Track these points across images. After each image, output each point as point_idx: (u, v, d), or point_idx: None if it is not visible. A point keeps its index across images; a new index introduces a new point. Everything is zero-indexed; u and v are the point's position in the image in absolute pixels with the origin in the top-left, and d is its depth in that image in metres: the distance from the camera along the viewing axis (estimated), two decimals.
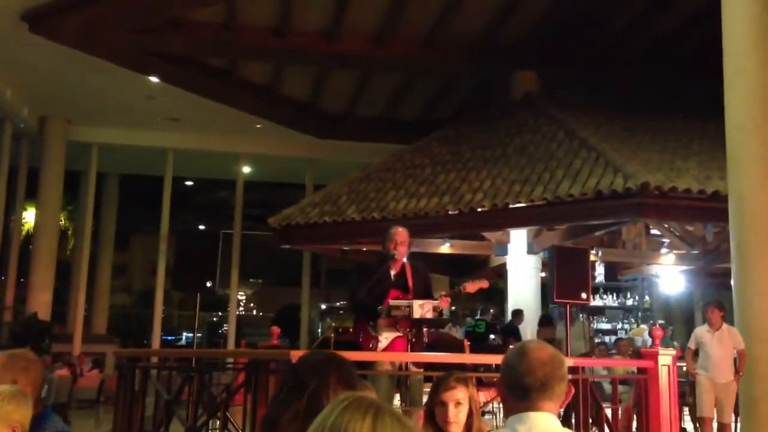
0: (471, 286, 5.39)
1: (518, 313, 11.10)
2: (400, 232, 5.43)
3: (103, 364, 15.71)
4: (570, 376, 5.60)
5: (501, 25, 12.16)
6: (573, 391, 2.35)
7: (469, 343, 7.14)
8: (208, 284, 7.46)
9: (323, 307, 29.52)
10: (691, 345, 7.80)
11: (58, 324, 16.30)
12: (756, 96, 5.35)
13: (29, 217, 17.81)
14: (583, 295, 5.95)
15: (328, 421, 1.23)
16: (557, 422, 1.98)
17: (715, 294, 12.06)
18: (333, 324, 7.57)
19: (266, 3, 11.67)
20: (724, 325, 7.50)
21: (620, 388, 6.41)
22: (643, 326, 12.54)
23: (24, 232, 17.69)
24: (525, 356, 1.98)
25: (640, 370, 5.48)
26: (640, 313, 13.65)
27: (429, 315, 5.07)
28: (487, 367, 5.71)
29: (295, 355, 4.67)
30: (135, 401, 5.45)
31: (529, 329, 11.11)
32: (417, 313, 5.01)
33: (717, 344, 7.44)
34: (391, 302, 5.15)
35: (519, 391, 1.95)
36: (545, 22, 11.98)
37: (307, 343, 17.09)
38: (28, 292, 15.56)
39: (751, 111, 5.47)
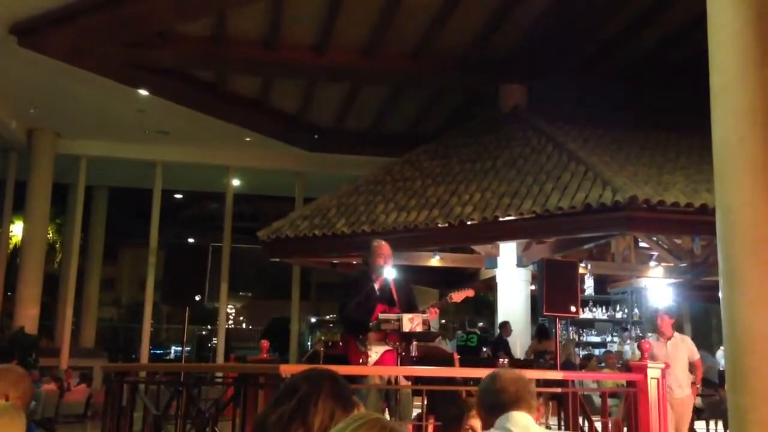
0: (457, 296, 5.41)
1: (504, 325, 11.13)
2: (384, 245, 5.45)
3: (90, 379, 15.54)
4: (560, 390, 5.56)
5: (489, 38, 12.23)
6: (542, 411, 2.80)
7: (459, 356, 7.12)
8: (197, 298, 7.42)
9: (313, 320, 29.42)
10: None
11: (45, 338, 16.16)
12: (742, 110, 5.38)
13: (17, 230, 17.68)
14: (573, 308, 5.96)
15: None
16: (533, 421, 2.35)
17: (704, 307, 12.10)
18: (323, 337, 7.57)
19: (255, 16, 11.69)
20: (676, 334, 7.08)
21: (609, 401, 6.42)
22: (626, 347, 12.58)
23: (11, 245, 17.56)
24: (498, 378, 2.41)
25: (630, 383, 5.49)
26: (629, 326, 13.67)
27: (419, 329, 5.06)
28: (477, 381, 5.69)
29: (285, 369, 4.65)
30: (123, 416, 5.40)
31: (519, 341, 11.13)
32: (407, 327, 5.00)
33: (672, 355, 6.92)
34: (381, 316, 5.15)
35: (498, 407, 2.32)
36: (533, 36, 12.05)
37: (296, 357, 17.00)
38: (16, 305, 15.43)
39: (737, 125, 5.50)
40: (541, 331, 10.86)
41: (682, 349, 6.93)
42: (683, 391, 6.85)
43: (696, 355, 6.78)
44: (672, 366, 6.64)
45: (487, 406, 2.39)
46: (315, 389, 1.68)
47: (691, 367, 7.05)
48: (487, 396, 2.39)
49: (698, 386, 6.88)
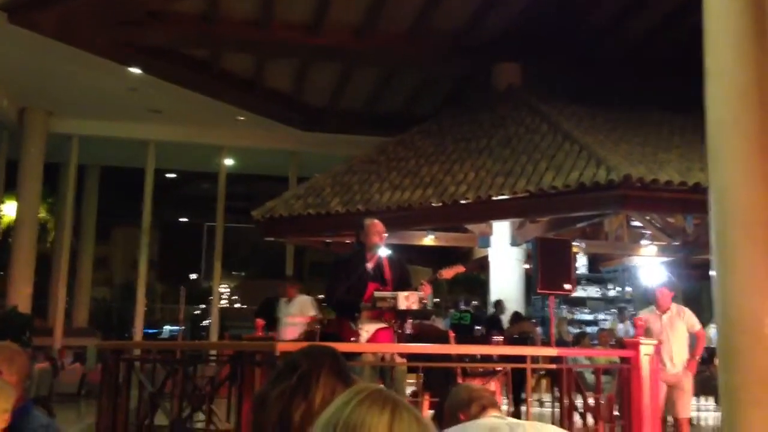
0: (447, 272, 5.42)
1: (499, 303, 11.20)
2: (377, 224, 5.45)
3: (84, 358, 15.61)
4: (554, 366, 5.61)
5: (484, 17, 12.18)
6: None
7: (454, 334, 7.17)
8: (193, 276, 7.47)
9: None
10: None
11: (38, 317, 16.16)
12: (737, 91, 5.40)
13: (9, 209, 17.61)
14: (567, 286, 6.01)
15: (343, 412, 1.18)
16: None
17: (696, 285, 12.16)
18: (319, 316, 7.66)
19: None
20: (674, 305, 6.75)
21: (602, 378, 6.48)
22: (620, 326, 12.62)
23: (3, 225, 17.50)
24: (466, 388, 2.80)
25: (623, 360, 5.55)
26: (621, 304, 13.78)
27: (414, 306, 5.09)
28: (472, 358, 5.75)
29: (281, 347, 4.68)
30: (119, 393, 5.43)
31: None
32: (402, 305, 5.03)
33: (668, 328, 6.62)
34: (376, 294, 5.16)
35: (476, 409, 2.68)
36: (528, 15, 12.00)
37: None
38: (8, 285, 15.42)
39: (732, 106, 5.52)
40: (514, 316, 10.81)
41: (679, 322, 6.61)
42: (676, 367, 6.57)
43: (697, 326, 6.41)
44: (667, 340, 6.51)
45: (468, 412, 2.70)
46: (316, 366, 1.70)
47: (692, 339, 6.72)
48: (466, 403, 2.71)
49: (697, 358, 6.53)
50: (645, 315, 6.72)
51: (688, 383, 6.61)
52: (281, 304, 8.65)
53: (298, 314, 8.21)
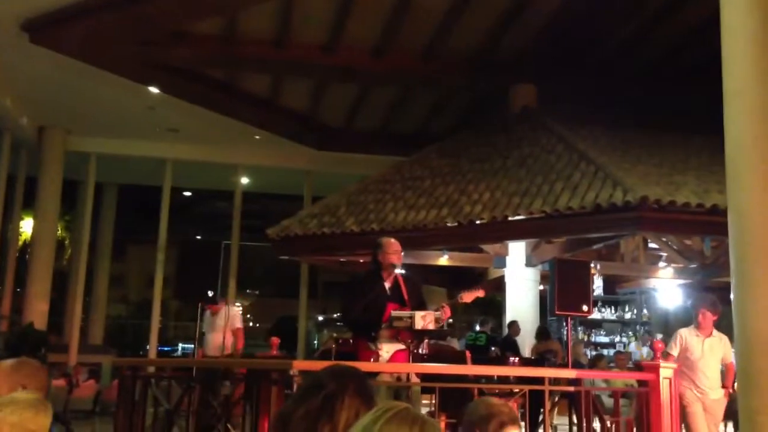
0: (467, 296, 5.40)
1: (513, 324, 11.14)
2: (394, 243, 5.44)
3: (99, 375, 15.63)
4: (572, 388, 5.55)
5: (500, 38, 12.23)
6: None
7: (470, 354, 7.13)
8: (210, 294, 7.52)
9: (320, 318, 29.46)
10: (673, 350, 6.33)
11: (54, 334, 16.24)
12: (756, 111, 5.37)
13: (26, 226, 17.76)
14: (584, 308, 5.95)
15: (371, 430, 1.19)
16: None
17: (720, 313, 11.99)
18: (334, 334, 7.62)
19: (266, 15, 11.72)
20: (715, 332, 6.45)
21: (619, 401, 6.40)
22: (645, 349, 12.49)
23: (21, 242, 17.64)
24: (485, 403, 2.73)
25: (641, 383, 5.49)
26: (638, 327, 13.66)
27: (431, 326, 5.07)
28: (489, 379, 5.71)
29: (298, 365, 4.67)
30: (135, 410, 5.43)
31: (527, 341, 11.13)
32: (419, 325, 5.00)
33: (708, 353, 6.34)
34: (393, 313, 5.15)
35: (495, 426, 2.60)
36: (544, 36, 12.05)
37: (304, 355, 17.04)
38: (25, 301, 15.52)
39: (751, 126, 5.50)
40: (540, 332, 10.84)
41: (719, 348, 6.33)
42: (716, 393, 6.31)
43: (731, 357, 6.07)
44: (706, 366, 6.32)
45: (486, 429, 2.64)
46: (341, 387, 1.69)
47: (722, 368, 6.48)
48: (485, 420, 2.65)
49: (731, 390, 6.17)
50: (684, 334, 6.43)
51: (723, 409, 6.41)
52: (206, 315, 8.51)
53: (224, 326, 8.18)
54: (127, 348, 22.89)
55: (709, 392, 6.32)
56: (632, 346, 13.06)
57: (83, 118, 15.22)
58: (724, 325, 7.52)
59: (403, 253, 5.50)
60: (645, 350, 12.24)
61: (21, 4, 10.78)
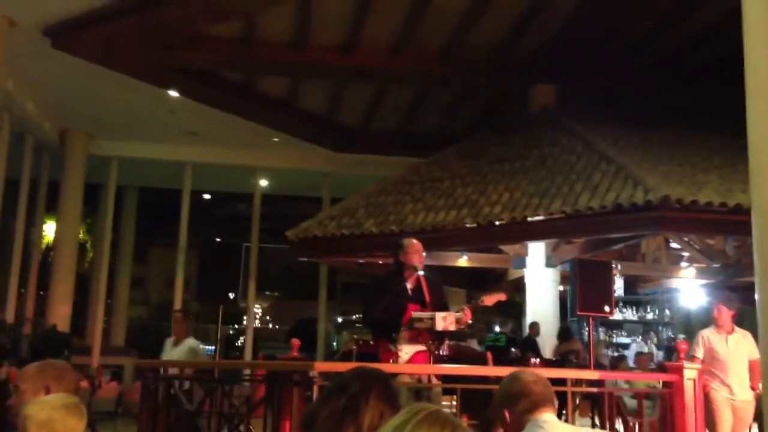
0: (489, 299, 5.39)
1: (534, 325, 11.10)
2: (416, 244, 5.44)
3: (121, 376, 15.77)
4: (595, 390, 5.51)
5: (518, 38, 12.18)
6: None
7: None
8: (231, 296, 7.51)
9: (339, 320, 29.51)
10: (698, 352, 6.18)
11: (76, 336, 16.39)
12: None
13: (49, 230, 17.96)
14: (606, 308, 5.91)
15: (403, 430, 1.19)
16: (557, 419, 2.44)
17: (739, 309, 11.86)
18: (354, 336, 7.58)
19: (283, 18, 11.77)
20: (738, 329, 6.31)
21: (642, 403, 6.35)
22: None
23: (44, 245, 17.84)
24: (521, 380, 2.48)
25: (665, 384, 5.44)
26: (660, 328, 13.54)
27: (452, 327, 5.06)
28: None
29: (319, 366, 4.68)
30: (158, 412, 5.47)
31: (547, 342, 11.07)
32: (440, 326, 5.00)
33: (734, 352, 6.20)
34: (414, 314, 5.15)
35: (527, 409, 2.39)
36: (562, 36, 11.98)
37: (324, 356, 17.08)
38: (48, 304, 15.69)
39: None
40: (563, 332, 10.79)
41: (744, 345, 6.18)
42: (747, 393, 6.15)
43: (756, 354, 5.85)
44: (734, 365, 6.17)
45: (515, 409, 2.41)
46: (366, 388, 1.70)
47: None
48: (514, 399, 2.43)
49: (758, 391, 5.98)
50: (706, 335, 6.29)
51: (752, 411, 6.23)
52: (167, 344, 7.59)
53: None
54: (149, 350, 23.00)
55: (739, 392, 6.19)
56: (633, 347, 12.95)
57: (104, 122, 15.38)
58: (747, 325, 7.40)
59: (423, 255, 5.50)
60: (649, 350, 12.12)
61: (43, 10, 10.92)
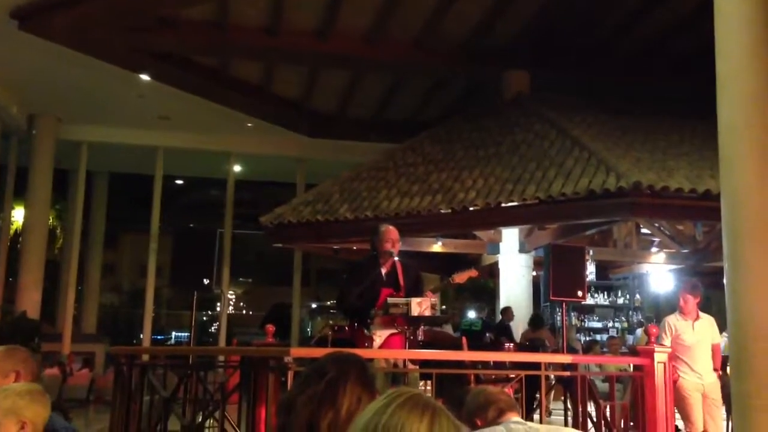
0: (460, 276, 5.40)
1: (507, 310, 11.19)
2: (392, 230, 5.46)
3: (92, 364, 15.63)
4: (568, 373, 5.58)
5: (492, 25, 12.19)
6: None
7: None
8: (205, 282, 7.48)
9: (313, 306, 29.48)
10: (665, 340, 6.16)
11: (47, 323, 16.20)
12: (750, 96, 5.39)
13: (18, 215, 17.68)
14: (579, 293, 5.99)
15: (381, 417, 1.17)
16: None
17: (706, 293, 12.06)
18: (330, 321, 7.58)
19: (258, 2, 11.65)
20: (703, 315, 6.40)
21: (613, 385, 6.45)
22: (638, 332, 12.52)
23: (12, 231, 17.57)
24: (483, 392, 2.88)
25: (636, 368, 5.53)
26: (630, 312, 13.75)
27: (427, 313, 5.09)
28: (485, 364, 5.74)
29: (296, 352, 4.68)
30: (132, 399, 5.44)
31: (520, 327, 11.18)
32: (415, 311, 5.02)
33: (701, 336, 6.30)
34: (389, 300, 5.16)
35: (494, 413, 2.74)
36: (536, 23, 12.03)
37: (298, 342, 17.07)
38: (17, 291, 15.46)
39: (744, 110, 5.51)
40: (534, 320, 10.85)
41: (709, 330, 6.28)
42: (712, 374, 6.28)
43: (718, 338, 6.10)
44: (701, 349, 6.26)
45: (485, 416, 2.76)
46: (343, 373, 1.71)
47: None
48: (483, 408, 2.77)
49: (720, 372, 6.18)
50: (671, 321, 6.34)
51: (719, 393, 6.34)
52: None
53: None
54: (120, 337, 22.87)
55: (706, 376, 6.28)
56: (612, 332, 13.11)
57: (74, 107, 15.13)
58: (714, 310, 7.53)
59: (399, 241, 5.51)
60: (637, 333, 12.30)
61: None
